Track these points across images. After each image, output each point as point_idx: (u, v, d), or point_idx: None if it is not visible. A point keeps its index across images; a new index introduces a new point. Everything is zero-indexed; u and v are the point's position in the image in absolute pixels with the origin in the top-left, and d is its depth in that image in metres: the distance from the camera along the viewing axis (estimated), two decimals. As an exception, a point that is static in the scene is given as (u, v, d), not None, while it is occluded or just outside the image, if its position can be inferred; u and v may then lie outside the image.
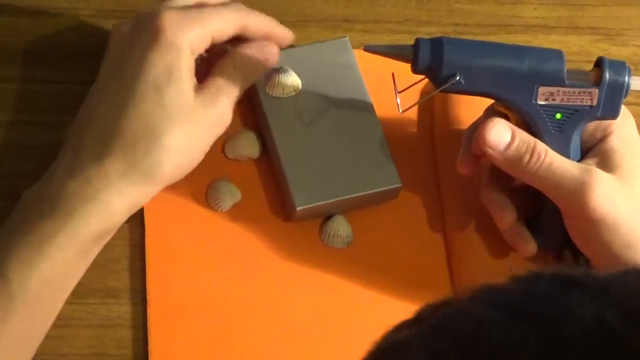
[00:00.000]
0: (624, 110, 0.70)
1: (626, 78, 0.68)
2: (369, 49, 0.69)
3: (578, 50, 0.87)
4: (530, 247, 0.73)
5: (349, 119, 0.76)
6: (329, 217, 0.76)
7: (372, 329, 0.71)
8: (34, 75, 0.79)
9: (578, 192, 0.67)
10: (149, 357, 0.70)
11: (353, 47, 0.78)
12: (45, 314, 0.65)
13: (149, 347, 0.70)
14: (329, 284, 0.74)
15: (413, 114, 0.80)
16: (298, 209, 0.73)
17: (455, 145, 0.77)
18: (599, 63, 0.69)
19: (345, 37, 0.79)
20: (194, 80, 0.67)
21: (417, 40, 0.68)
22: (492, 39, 0.85)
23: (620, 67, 0.68)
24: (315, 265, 0.74)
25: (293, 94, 0.76)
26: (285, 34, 0.73)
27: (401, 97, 0.71)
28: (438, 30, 0.85)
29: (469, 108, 0.78)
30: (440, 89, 0.68)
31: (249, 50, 0.70)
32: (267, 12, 0.74)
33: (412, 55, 0.68)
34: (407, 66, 0.69)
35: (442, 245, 0.76)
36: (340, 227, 0.75)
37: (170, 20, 0.66)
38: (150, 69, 0.65)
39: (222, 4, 0.70)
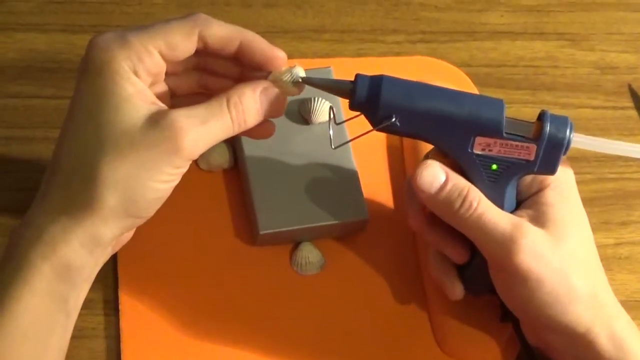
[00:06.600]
0: (563, 163, 0.68)
1: (567, 134, 0.65)
2: (306, 80, 0.65)
3: (544, 55, 0.88)
4: (457, 291, 0.71)
5: (324, 147, 0.75)
6: (297, 245, 0.76)
7: (346, 355, 0.73)
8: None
9: (505, 247, 0.65)
10: (123, 367, 0.71)
11: (321, 57, 0.79)
12: None
13: (122, 357, 0.71)
14: (301, 312, 0.74)
15: (383, 147, 0.81)
16: (261, 232, 0.73)
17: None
18: (541, 116, 0.66)
19: (329, 67, 0.78)
20: (144, 104, 0.60)
21: (356, 76, 0.65)
22: (460, 45, 0.87)
23: (562, 122, 0.65)
24: (288, 292, 0.75)
25: None
26: (274, 53, 0.65)
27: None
28: (405, 39, 0.86)
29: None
30: (376, 128, 0.65)
31: (245, 89, 0.63)
32: (235, 24, 0.72)
33: (348, 91, 0.65)
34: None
35: (417, 267, 0.77)
36: (310, 254, 0.75)
37: (99, 45, 0.60)
38: (84, 98, 0.61)
39: (181, 17, 0.63)
